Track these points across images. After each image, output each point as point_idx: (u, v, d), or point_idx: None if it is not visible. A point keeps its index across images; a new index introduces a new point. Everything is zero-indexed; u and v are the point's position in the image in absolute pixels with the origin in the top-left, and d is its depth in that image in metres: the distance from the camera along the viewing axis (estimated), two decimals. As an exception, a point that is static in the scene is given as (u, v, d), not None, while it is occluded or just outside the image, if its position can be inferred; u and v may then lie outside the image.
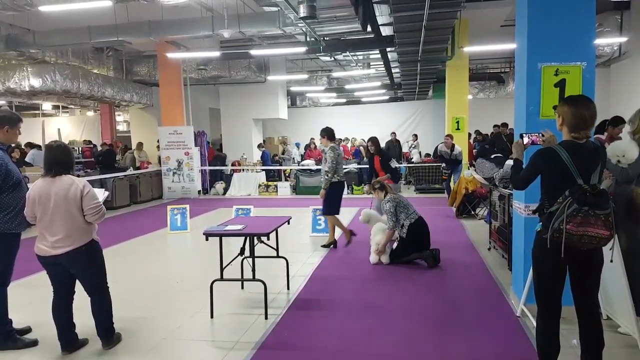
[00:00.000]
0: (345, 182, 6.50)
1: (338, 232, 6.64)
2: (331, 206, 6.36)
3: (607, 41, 11.33)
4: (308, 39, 9.82)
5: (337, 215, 6.48)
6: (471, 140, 14.03)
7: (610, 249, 2.63)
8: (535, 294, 2.76)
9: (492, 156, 8.22)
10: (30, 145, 12.07)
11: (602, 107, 6.95)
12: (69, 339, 3.40)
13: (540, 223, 2.65)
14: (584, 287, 2.65)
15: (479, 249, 6.26)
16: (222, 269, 4.12)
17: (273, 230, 4.18)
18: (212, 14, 9.24)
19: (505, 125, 12.00)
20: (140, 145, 14.60)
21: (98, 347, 3.45)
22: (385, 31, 10.21)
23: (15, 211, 3.40)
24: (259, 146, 15.02)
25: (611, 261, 3.05)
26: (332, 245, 6.45)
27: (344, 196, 6.52)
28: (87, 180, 3.35)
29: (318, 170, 12.94)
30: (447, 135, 10.00)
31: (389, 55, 12.29)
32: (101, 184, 10.22)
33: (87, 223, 3.28)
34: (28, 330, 3.76)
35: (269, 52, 12.56)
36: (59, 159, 3.26)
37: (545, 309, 2.70)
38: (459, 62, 11.62)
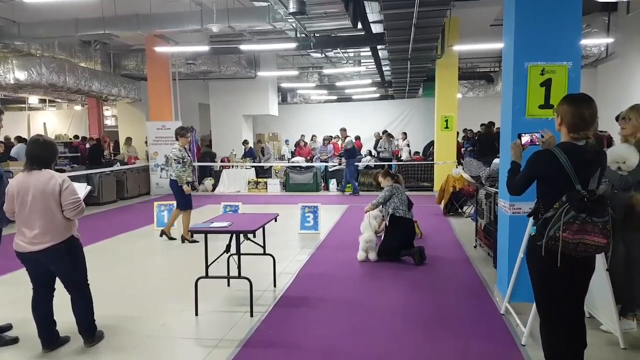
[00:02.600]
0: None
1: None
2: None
3: (595, 42, 11.43)
4: (298, 35, 9.77)
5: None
6: (459, 139, 14.10)
7: (608, 256, 2.50)
8: (536, 305, 2.63)
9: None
10: (18, 139, 11.89)
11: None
12: (50, 337, 3.35)
13: (534, 227, 2.51)
14: (574, 294, 2.53)
15: (465, 246, 6.30)
16: (207, 267, 4.08)
17: (259, 227, 4.16)
18: (201, 8, 9.15)
19: (492, 124, 12.08)
20: (129, 140, 14.45)
21: (80, 345, 3.41)
22: (376, 28, 10.21)
23: None
24: (244, 143, 14.99)
25: (607, 270, 3.04)
26: (189, 240, 6.75)
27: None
28: (73, 175, 3.30)
29: (308, 168, 12.97)
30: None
31: (380, 53, 12.29)
32: (87, 179, 10.07)
33: (66, 219, 3.22)
34: (9, 327, 3.70)
35: (259, 48, 12.48)
36: (40, 153, 3.21)
37: (552, 322, 2.54)
38: (449, 61, 11.68)
